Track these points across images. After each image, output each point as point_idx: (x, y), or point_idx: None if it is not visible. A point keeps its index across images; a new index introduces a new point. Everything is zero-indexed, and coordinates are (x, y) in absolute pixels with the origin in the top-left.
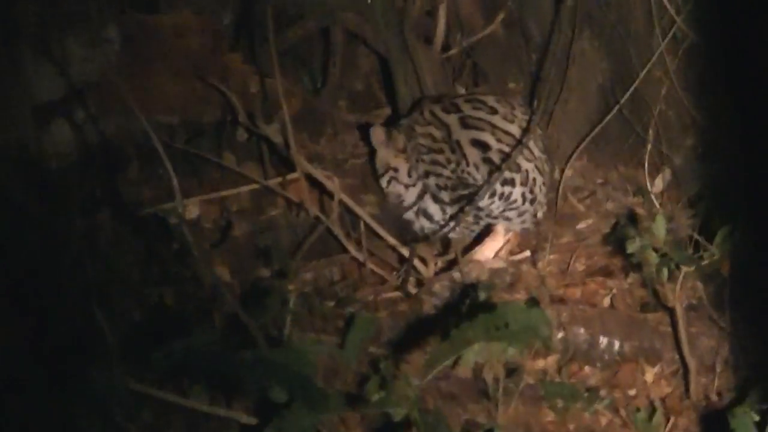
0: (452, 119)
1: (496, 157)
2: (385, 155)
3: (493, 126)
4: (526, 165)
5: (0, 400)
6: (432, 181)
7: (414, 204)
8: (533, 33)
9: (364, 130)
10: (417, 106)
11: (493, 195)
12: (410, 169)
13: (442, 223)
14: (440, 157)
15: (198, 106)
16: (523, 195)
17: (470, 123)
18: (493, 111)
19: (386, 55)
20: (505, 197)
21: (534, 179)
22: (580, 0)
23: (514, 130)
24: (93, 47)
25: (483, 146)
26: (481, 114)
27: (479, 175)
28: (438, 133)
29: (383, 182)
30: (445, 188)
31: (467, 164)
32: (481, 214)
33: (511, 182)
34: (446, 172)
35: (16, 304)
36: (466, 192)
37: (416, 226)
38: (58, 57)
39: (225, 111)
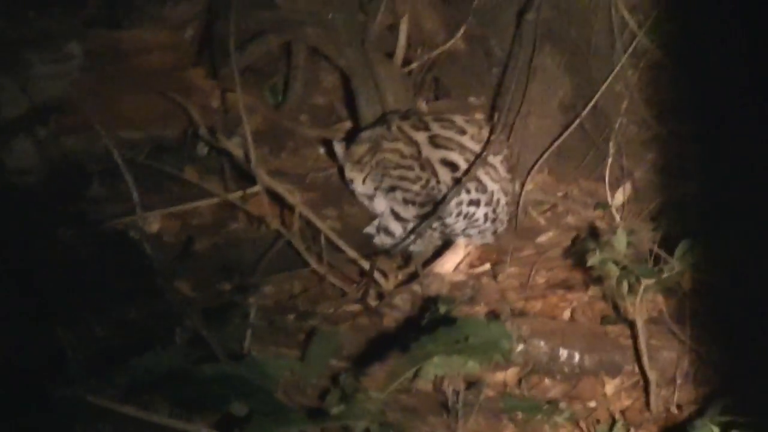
0: (421, 137)
1: (464, 177)
2: (346, 168)
3: (462, 146)
4: (492, 186)
5: None
6: (399, 195)
7: (381, 213)
8: (494, 48)
9: (329, 146)
10: (382, 120)
11: (459, 214)
12: (365, 179)
13: (403, 236)
14: (410, 174)
15: (160, 122)
16: (485, 215)
17: (439, 142)
18: (462, 131)
19: (348, 70)
20: (468, 216)
21: (498, 200)
22: (541, 15)
23: (491, 154)
24: (55, 64)
25: (452, 166)
26: (450, 134)
27: (459, 200)
28: (407, 150)
29: (356, 195)
30: (413, 203)
31: (438, 182)
32: (444, 229)
33: (477, 203)
34: (415, 188)
35: None
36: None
37: (376, 240)
38: (21, 73)
39: (187, 126)
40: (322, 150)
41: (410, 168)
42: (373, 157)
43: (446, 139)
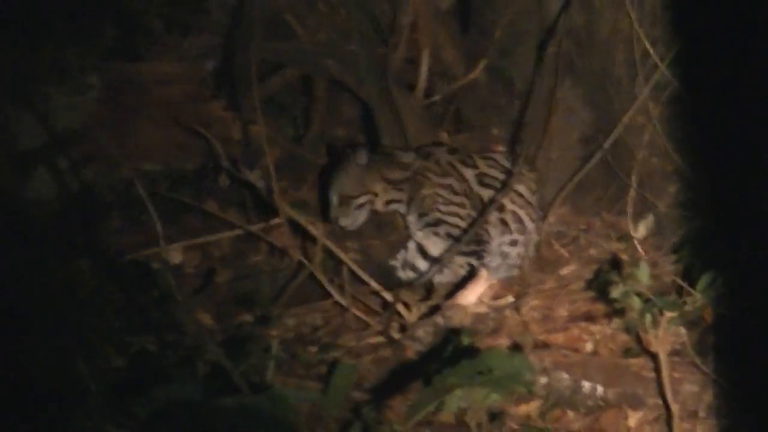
0: (470, 174)
1: (509, 218)
2: (365, 178)
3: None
4: (530, 226)
5: None
6: (443, 230)
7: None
8: (515, 80)
9: (337, 151)
10: (425, 153)
11: (499, 254)
12: (390, 201)
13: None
14: (461, 211)
15: (179, 154)
16: (518, 254)
17: (487, 181)
18: (499, 167)
19: (368, 101)
20: (505, 255)
21: (532, 239)
22: (563, 47)
23: (524, 190)
24: (75, 95)
25: (499, 206)
26: (495, 172)
27: (494, 234)
28: (458, 186)
29: (353, 203)
30: (457, 240)
31: (486, 222)
32: (478, 264)
33: (515, 243)
34: (464, 225)
35: None
36: (479, 248)
37: (401, 274)
38: (39, 105)
39: (206, 158)
40: None
41: (462, 205)
42: (415, 189)
43: (492, 178)
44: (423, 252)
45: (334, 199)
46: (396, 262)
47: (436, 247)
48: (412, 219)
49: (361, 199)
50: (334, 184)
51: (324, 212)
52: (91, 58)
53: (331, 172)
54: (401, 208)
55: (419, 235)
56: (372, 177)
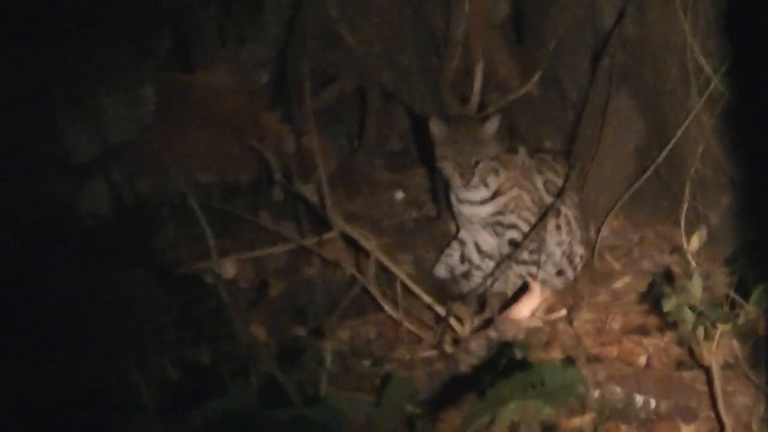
0: (540, 182)
1: (563, 223)
2: (494, 144)
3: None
4: (575, 225)
5: None
6: (509, 234)
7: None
8: (569, 92)
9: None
10: (513, 146)
11: (551, 254)
12: (492, 179)
13: (480, 281)
14: (533, 221)
15: (234, 165)
16: (563, 252)
17: (550, 188)
18: (558, 173)
19: (422, 114)
20: (551, 255)
21: (576, 236)
22: (617, 59)
23: (573, 192)
24: (129, 107)
25: (557, 212)
26: (554, 177)
27: (549, 241)
28: (535, 194)
29: (489, 166)
30: (518, 247)
31: (546, 231)
32: (530, 270)
33: (561, 243)
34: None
35: (46, 362)
36: (537, 257)
37: (453, 287)
38: (94, 117)
39: (260, 170)
40: (399, 195)
41: (535, 215)
42: (504, 182)
43: (554, 185)
44: (478, 248)
45: (474, 159)
46: (440, 271)
47: (487, 245)
48: (483, 212)
49: (495, 163)
50: (478, 144)
51: (449, 175)
52: (145, 69)
53: (464, 134)
54: (478, 194)
55: (474, 228)
56: (497, 146)
